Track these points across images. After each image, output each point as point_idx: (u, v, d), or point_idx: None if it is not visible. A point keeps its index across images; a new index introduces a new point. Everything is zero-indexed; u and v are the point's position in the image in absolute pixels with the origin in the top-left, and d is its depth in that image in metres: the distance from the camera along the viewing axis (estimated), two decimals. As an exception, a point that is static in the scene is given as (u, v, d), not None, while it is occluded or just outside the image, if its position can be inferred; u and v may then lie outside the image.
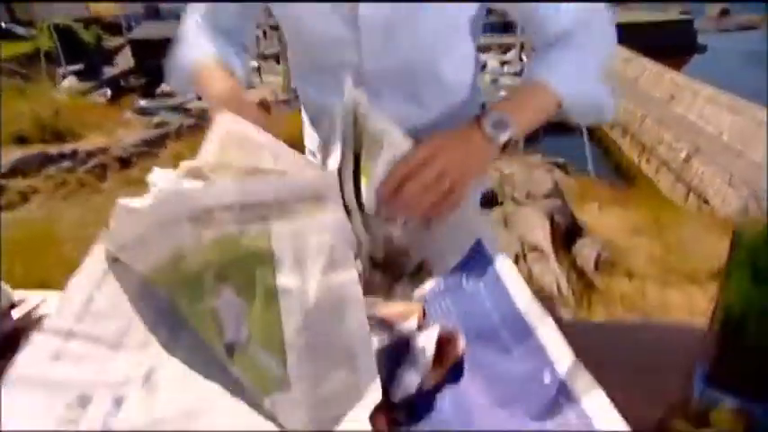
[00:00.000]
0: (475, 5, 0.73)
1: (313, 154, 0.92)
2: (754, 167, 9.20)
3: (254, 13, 0.82)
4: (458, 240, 0.62)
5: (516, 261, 2.43)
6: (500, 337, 0.48)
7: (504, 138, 0.64)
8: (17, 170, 3.40)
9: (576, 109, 0.71)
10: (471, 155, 0.62)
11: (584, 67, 0.71)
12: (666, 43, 27.31)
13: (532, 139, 15.40)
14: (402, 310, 0.54)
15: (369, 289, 0.59)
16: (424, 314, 0.55)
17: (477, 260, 0.58)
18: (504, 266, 0.55)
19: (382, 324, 0.50)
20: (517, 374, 0.45)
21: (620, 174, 15.65)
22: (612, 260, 2.94)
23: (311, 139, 0.92)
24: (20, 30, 29.06)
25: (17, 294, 0.61)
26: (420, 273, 0.62)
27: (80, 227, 2.66)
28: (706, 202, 11.24)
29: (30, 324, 0.56)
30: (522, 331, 0.47)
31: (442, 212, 0.62)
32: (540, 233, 2.56)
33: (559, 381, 0.42)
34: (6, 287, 0.60)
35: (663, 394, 0.51)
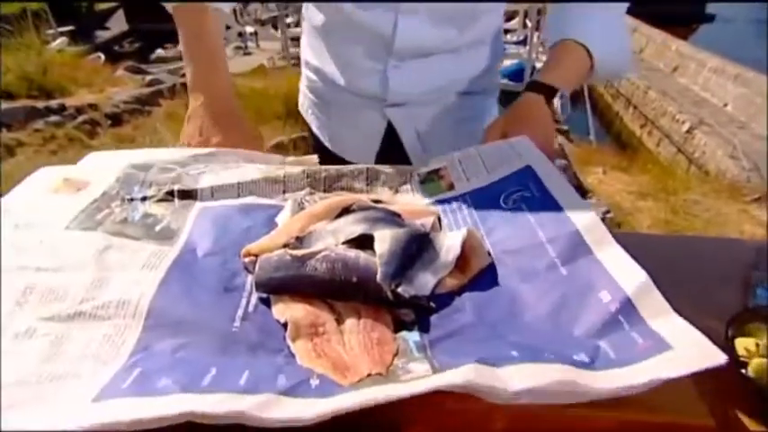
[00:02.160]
0: None
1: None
2: (757, 140, 9.07)
3: None
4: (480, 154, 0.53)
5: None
6: (545, 253, 0.39)
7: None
8: (1, 123, 3.28)
9: (601, 67, 0.70)
10: (548, 131, 0.64)
11: (610, 21, 0.71)
12: (674, 11, 26.77)
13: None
14: (414, 210, 0.46)
15: (374, 186, 0.50)
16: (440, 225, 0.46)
17: (520, 179, 0.48)
18: (559, 184, 0.46)
19: (395, 217, 0.42)
20: (564, 291, 0.36)
21: (620, 145, 15.52)
22: (619, 221, 2.87)
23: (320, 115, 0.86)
24: None
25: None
26: (434, 181, 0.53)
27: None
28: (707, 174, 11.15)
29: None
30: (577, 248, 0.38)
31: None
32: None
33: (623, 300, 0.33)
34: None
35: (721, 305, 0.43)
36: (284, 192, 0.50)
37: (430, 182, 0.52)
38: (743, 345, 0.37)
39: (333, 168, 0.52)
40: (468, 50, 0.76)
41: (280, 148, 3.19)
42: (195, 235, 0.43)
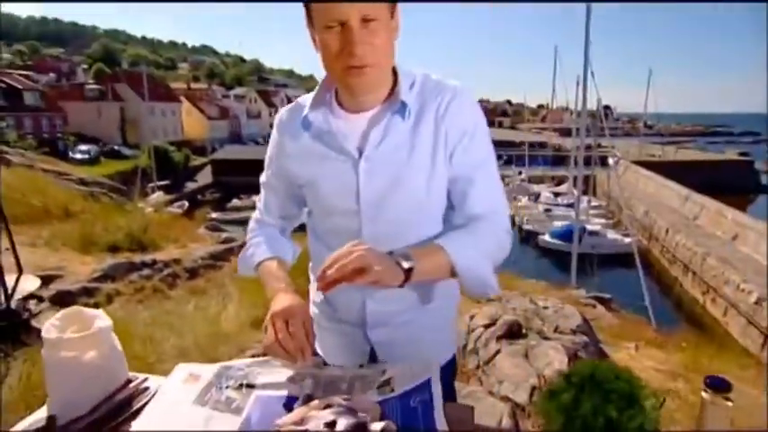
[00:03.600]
0: (440, 202, 1.05)
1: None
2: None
3: (297, 200, 1.16)
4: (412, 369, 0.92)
5: (532, 394, 2.55)
6: None
7: (406, 265, 0.88)
8: (107, 275, 4.03)
9: (464, 276, 0.96)
10: (384, 266, 0.86)
11: (476, 247, 0.97)
12: (726, 182, 27.33)
13: (586, 274, 15.04)
14: (366, 407, 0.84)
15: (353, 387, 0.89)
16: (382, 415, 0.83)
17: (422, 390, 0.86)
18: (436, 397, 0.83)
19: (349, 410, 0.80)
20: None
21: (681, 312, 14.82)
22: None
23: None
24: (127, 151, 34.92)
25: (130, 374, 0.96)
26: (385, 386, 0.91)
27: (150, 328, 3.12)
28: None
29: (138, 393, 0.91)
30: None
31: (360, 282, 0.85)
32: (557, 368, 2.69)
33: None
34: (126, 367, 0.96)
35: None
36: (300, 386, 0.90)
37: (383, 386, 0.91)
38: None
39: (327, 375, 0.92)
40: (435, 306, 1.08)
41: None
42: (252, 412, 0.83)
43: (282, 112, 1.12)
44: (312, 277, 1.22)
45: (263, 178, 1.18)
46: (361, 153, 0.99)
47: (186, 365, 0.94)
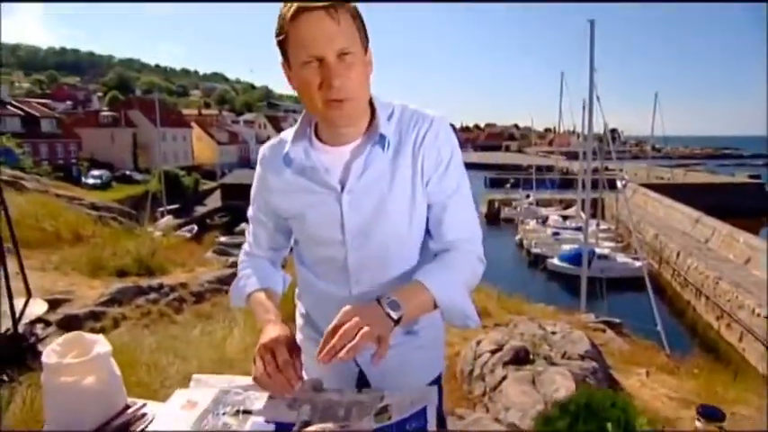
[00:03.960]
0: (421, 229, 1.07)
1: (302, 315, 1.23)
2: None
3: (285, 231, 1.17)
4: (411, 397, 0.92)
5: (539, 421, 2.49)
6: None
7: (395, 315, 0.90)
8: (115, 299, 4.06)
9: (446, 310, 0.99)
10: (376, 323, 0.87)
11: (455, 281, 1.00)
12: (737, 205, 27.06)
13: (595, 298, 14.85)
14: (363, 433, 0.84)
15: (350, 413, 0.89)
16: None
17: (419, 417, 0.86)
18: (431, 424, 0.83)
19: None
20: None
21: (695, 338, 14.49)
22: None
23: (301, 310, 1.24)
24: (138, 176, 35.62)
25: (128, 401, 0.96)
26: (383, 414, 0.91)
27: (156, 354, 3.12)
28: (804, 382, 10.00)
29: (136, 419, 0.91)
30: None
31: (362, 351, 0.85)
32: (564, 395, 2.63)
33: None
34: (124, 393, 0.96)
35: None
36: (297, 412, 0.90)
37: (380, 414, 0.90)
38: None
39: (324, 400, 0.92)
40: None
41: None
42: (248, 439, 0.83)
43: (265, 147, 1.14)
44: (299, 303, 1.24)
45: (250, 212, 1.20)
46: (343, 186, 1.02)
47: (185, 391, 0.94)
